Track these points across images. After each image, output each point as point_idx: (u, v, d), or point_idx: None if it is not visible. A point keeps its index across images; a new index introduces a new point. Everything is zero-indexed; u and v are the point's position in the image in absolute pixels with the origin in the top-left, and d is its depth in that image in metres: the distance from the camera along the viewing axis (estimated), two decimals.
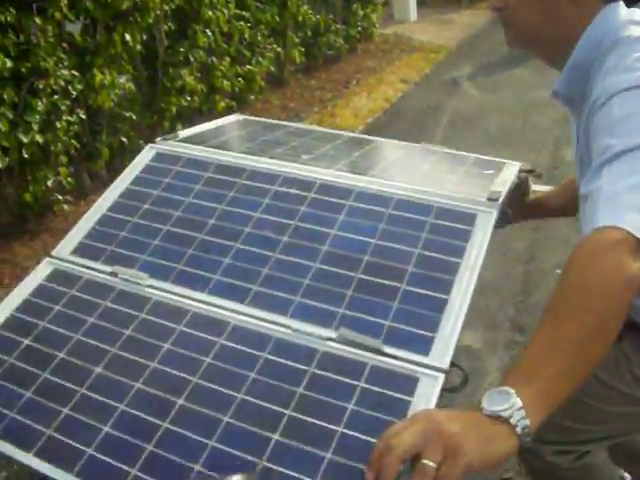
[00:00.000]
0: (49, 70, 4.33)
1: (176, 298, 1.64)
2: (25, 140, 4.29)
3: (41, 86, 4.33)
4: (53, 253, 1.82)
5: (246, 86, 6.89)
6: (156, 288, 1.68)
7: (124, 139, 5.26)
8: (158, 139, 2.08)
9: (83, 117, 4.80)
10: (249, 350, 1.50)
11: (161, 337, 1.57)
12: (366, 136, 2.32)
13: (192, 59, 5.70)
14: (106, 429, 1.39)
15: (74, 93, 4.62)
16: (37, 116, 4.35)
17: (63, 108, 4.55)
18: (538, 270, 4.32)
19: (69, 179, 4.82)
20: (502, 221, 1.76)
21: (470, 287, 1.54)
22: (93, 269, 1.76)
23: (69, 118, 4.64)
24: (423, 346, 1.44)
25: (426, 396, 1.33)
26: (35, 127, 4.36)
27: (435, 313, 1.50)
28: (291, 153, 2.05)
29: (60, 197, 4.86)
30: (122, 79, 5.35)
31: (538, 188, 2.15)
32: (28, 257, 4.69)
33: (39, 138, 4.37)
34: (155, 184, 1.94)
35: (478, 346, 3.56)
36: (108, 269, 1.75)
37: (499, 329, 3.77)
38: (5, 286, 4.26)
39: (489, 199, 1.72)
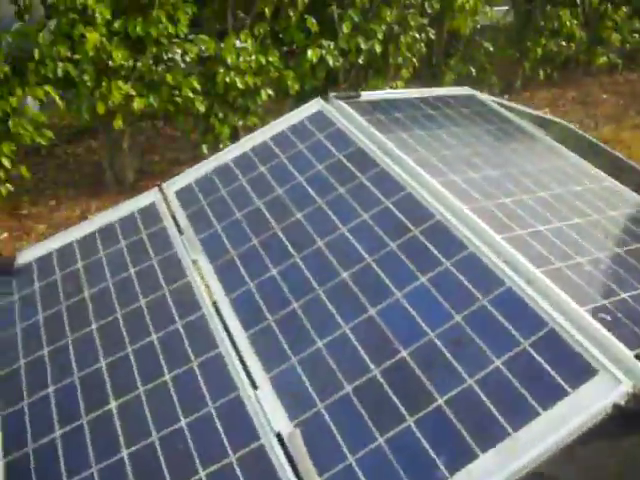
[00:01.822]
0: None
1: (200, 290, 1.31)
2: (364, 46, 4.08)
3: None
4: None
5: None
6: (198, 267, 1.37)
7: (472, 69, 4.70)
8: (332, 94, 1.67)
9: (432, 37, 4.37)
10: (182, 404, 1.13)
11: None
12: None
13: (578, 1, 4.72)
14: None
15: (429, 11, 4.21)
16: (383, 26, 4.08)
17: (412, 23, 4.18)
18: None
19: None
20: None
21: None
22: None
23: (416, 35, 4.27)
24: None
25: None
26: (379, 36, 4.11)
27: None
28: (461, 167, 1.45)
29: None
30: (495, 8, 4.72)
31: None
32: None
33: (378, 47, 4.12)
34: (288, 146, 1.56)
35: None
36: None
37: None
38: None
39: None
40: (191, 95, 3.64)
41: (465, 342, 1.06)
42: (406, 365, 1.05)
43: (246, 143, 1.62)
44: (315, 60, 3.90)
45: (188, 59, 3.79)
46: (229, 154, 1.61)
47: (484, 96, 1.85)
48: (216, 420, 1.10)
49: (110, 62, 3.50)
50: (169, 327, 1.27)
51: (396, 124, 1.57)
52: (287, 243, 1.33)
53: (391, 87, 4.55)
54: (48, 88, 3.49)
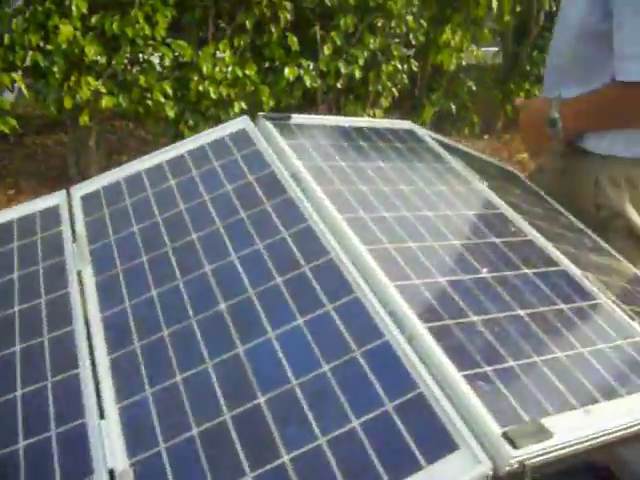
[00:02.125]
0: (393, 10, 3.92)
1: (76, 304, 1.22)
2: (343, 70, 4.03)
3: (380, 24, 3.96)
4: None
5: None
6: (82, 279, 1.28)
7: (453, 105, 4.66)
8: (261, 114, 1.58)
9: (415, 69, 4.33)
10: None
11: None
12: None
13: None
14: None
15: (413, 42, 4.17)
16: (365, 52, 4.03)
17: (395, 53, 4.14)
18: None
19: None
20: None
21: None
22: None
23: (399, 65, 4.22)
24: None
25: None
26: (360, 62, 4.06)
27: None
28: (374, 204, 1.37)
29: None
30: (483, 48, 4.69)
31: None
32: None
33: (358, 73, 4.07)
34: (203, 162, 1.47)
35: None
36: None
37: None
38: None
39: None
40: (162, 100, 3.56)
41: (327, 395, 0.96)
42: (259, 413, 0.96)
43: (163, 154, 1.53)
44: (292, 78, 3.84)
45: (167, 63, 3.70)
46: (144, 163, 1.52)
47: (423, 132, 1.77)
48: (55, 448, 0.99)
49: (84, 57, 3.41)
50: (34, 339, 1.17)
51: (319, 152, 1.49)
52: (175, 264, 1.24)
53: (369, 115, 4.50)
54: (15, 76, 3.38)
